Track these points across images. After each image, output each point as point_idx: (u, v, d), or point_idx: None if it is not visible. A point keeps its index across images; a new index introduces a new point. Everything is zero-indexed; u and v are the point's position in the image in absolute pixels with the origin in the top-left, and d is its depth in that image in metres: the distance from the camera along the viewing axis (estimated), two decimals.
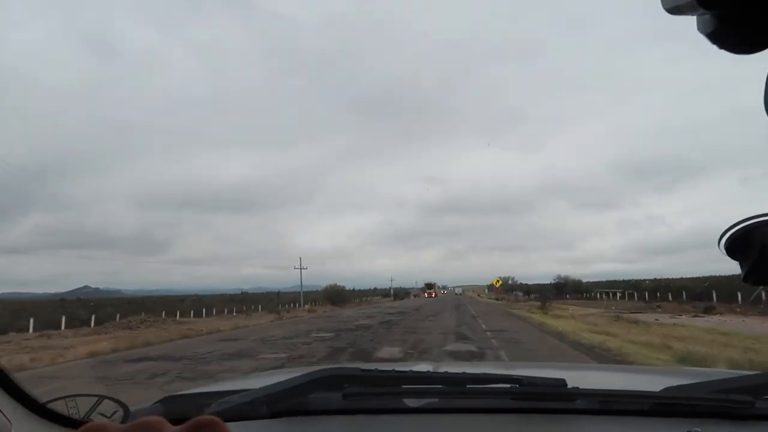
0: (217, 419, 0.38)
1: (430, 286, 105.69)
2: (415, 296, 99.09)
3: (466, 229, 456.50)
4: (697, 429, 1.04)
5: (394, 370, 1.40)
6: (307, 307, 46.64)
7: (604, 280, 77.51)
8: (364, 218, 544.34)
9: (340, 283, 60.65)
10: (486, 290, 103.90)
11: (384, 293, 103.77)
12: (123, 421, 0.88)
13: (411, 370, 1.40)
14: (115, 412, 1.13)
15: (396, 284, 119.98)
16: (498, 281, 57.24)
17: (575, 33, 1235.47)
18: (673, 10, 0.46)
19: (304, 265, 56.97)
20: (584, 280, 71.58)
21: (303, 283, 57.84)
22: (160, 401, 1.34)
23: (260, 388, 1.21)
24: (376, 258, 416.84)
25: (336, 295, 56.17)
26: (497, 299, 60.59)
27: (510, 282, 65.26)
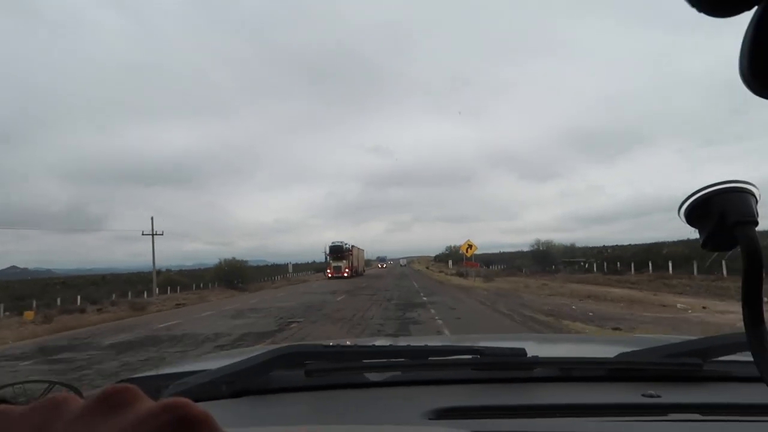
0: (130, 385, 0.34)
1: (337, 254, 51.50)
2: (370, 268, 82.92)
3: (411, 200, 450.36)
4: (651, 391, 1.10)
5: (356, 345, 1.40)
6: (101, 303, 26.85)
7: None
8: (308, 192, 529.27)
9: (279, 258, 47.13)
10: (450, 263, 68.90)
11: (318, 267, 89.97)
12: None
13: (373, 345, 1.40)
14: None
15: None
16: (471, 247, 32.65)
17: None
18: None
19: (176, 232, 43.06)
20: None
21: (249, 258, 43.56)
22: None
23: (219, 368, 1.20)
24: (320, 232, 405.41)
25: (234, 275, 43.25)
26: (459, 274, 41.66)
27: (460, 252, 46.51)
